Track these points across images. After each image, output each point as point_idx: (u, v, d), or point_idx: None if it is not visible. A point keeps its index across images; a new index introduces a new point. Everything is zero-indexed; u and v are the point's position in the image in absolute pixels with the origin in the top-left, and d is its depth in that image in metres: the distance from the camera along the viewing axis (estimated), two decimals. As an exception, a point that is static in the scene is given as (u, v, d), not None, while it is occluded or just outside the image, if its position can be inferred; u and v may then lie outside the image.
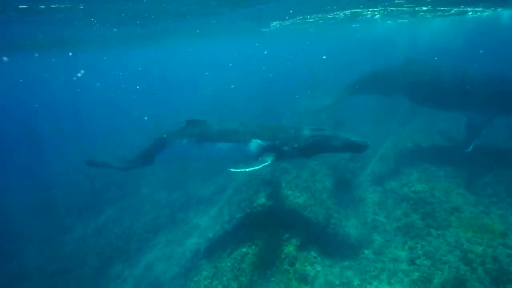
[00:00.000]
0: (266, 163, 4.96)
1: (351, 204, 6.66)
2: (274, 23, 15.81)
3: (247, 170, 4.69)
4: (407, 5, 11.81)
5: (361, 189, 7.04)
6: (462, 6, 12.07)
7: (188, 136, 6.03)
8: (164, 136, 6.46)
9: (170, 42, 19.94)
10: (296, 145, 5.19)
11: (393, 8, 11.90)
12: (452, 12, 13.12)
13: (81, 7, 7.81)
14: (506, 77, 6.59)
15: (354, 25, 19.37)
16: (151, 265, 6.94)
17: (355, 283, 4.68)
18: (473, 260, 4.44)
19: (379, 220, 5.90)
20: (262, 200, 6.58)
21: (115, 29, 12.63)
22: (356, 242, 5.58)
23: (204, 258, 6.08)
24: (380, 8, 12.08)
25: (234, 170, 4.67)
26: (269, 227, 5.74)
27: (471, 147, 6.32)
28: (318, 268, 5.00)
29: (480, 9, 12.71)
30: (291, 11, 12.65)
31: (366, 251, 5.26)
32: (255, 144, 5.46)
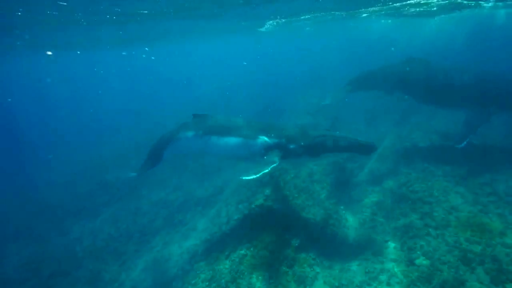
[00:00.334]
0: (274, 164, 4.92)
1: (350, 204, 6.63)
2: (269, 22, 15.80)
3: (258, 175, 4.63)
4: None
5: (360, 189, 7.02)
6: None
7: (195, 130, 5.99)
8: (171, 130, 6.40)
9: (166, 41, 19.86)
10: (302, 143, 5.19)
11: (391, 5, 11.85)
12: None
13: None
14: (505, 75, 6.59)
15: (352, 24, 19.41)
16: (148, 267, 6.88)
17: (355, 285, 4.65)
18: (472, 260, 4.42)
19: (378, 220, 5.87)
20: (260, 201, 6.53)
21: (120, 32, 12.57)
22: (355, 242, 5.55)
23: (202, 260, 6.03)
24: (379, 6, 12.06)
25: (246, 178, 4.62)
26: (267, 228, 5.69)
27: (464, 143, 6.32)
28: (317, 269, 4.96)
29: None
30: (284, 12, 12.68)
31: (365, 252, 5.22)
32: (261, 141, 5.46)
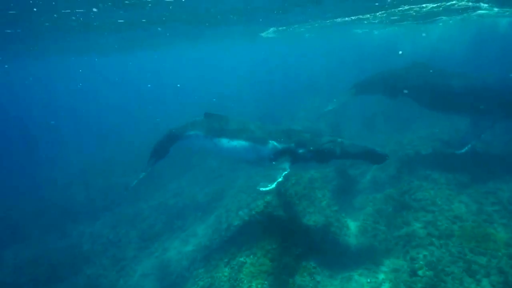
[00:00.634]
0: (286, 172, 4.86)
1: (351, 212, 6.54)
2: (271, 29, 15.92)
3: (273, 186, 4.59)
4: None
5: (361, 196, 6.94)
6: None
7: (206, 130, 5.98)
8: (181, 126, 6.39)
9: (165, 46, 20.02)
10: (312, 148, 5.11)
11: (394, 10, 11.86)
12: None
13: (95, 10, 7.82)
14: (511, 82, 6.54)
15: (355, 30, 19.50)
16: (147, 274, 6.80)
17: (356, 295, 4.54)
18: (477, 272, 4.32)
19: (380, 228, 5.78)
20: (260, 208, 6.45)
21: (122, 36, 12.67)
22: (356, 251, 5.46)
23: (201, 267, 5.94)
24: (382, 12, 12.10)
25: (264, 189, 4.58)
26: (268, 235, 5.60)
27: (465, 149, 6.25)
28: (318, 278, 4.86)
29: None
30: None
31: (366, 261, 5.12)
32: (271, 145, 5.42)
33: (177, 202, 9.44)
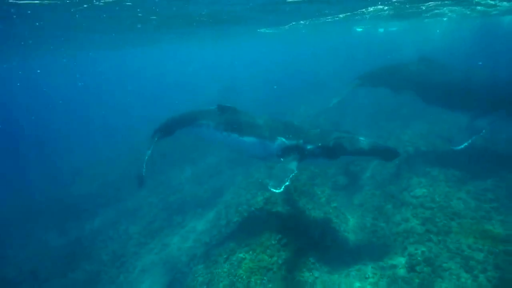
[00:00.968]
0: (293, 174, 4.83)
1: (351, 208, 6.57)
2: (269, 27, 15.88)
3: (281, 189, 4.54)
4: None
5: (361, 193, 6.96)
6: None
7: (217, 122, 6.00)
8: (193, 112, 6.37)
9: (165, 44, 19.93)
10: (320, 144, 5.03)
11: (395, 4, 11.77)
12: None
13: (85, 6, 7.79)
14: None
15: (357, 28, 19.42)
16: (146, 270, 6.83)
17: (354, 290, 4.58)
18: (474, 267, 4.35)
19: (379, 225, 5.80)
20: (260, 204, 6.48)
21: (113, 34, 12.65)
22: (355, 247, 5.49)
23: (201, 263, 5.97)
24: (381, 6, 11.99)
25: (275, 190, 4.54)
26: (267, 231, 5.63)
27: (463, 146, 6.25)
28: (316, 274, 4.89)
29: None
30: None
31: (365, 257, 5.15)
32: (279, 142, 5.41)
33: (177, 199, 9.46)
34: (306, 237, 5.51)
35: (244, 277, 4.89)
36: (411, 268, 4.66)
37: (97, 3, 7.34)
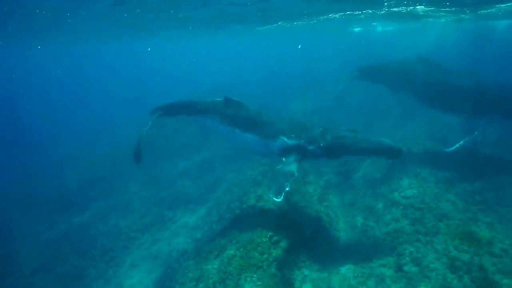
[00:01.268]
0: (293, 177, 4.84)
1: (342, 207, 6.62)
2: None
3: (281, 198, 4.56)
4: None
5: (352, 192, 7.02)
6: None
7: (222, 116, 6.03)
8: (201, 101, 6.32)
9: (163, 38, 19.61)
10: (322, 144, 4.99)
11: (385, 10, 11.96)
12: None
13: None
14: (509, 84, 6.65)
15: (355, 28, 19.46)
16: (136, 265, 6.79)
17: (343, 289, 4.63)
18: (459, 268, 4.44)
19: (369, 224, 5.87)
20: (252, 201, 6.48)
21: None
22: (345, 246, 5.55)
23: (191, 259, 5.96)
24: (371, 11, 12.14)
25: (277, 199, 4.56)
26: (258, 229, 5.64)
27: (454, 147, 6.37)
28: (306, 272, 4.93)
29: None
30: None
31: (354, 256, 5.22)
32: (280, 141, 5.39)
33: (168, 194, 9.40)
34: (297, 235, 5.54)
35: (234, 274, 4.90)
36: (399, 267, 4.73)
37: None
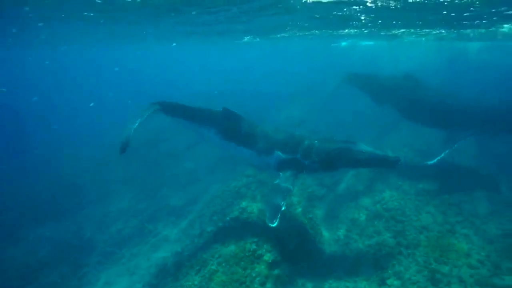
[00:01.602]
0: (291, 192, 4.84)
1: (326, 220, 6.61)
2: (246, 38, 16.13)
3: (277, 222, 4.56)
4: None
5: (336, 204, 7.03)
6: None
7: (218, 128, 5.97)
8: (201, 111, 6.21)
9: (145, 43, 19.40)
10: (317, 159, 4.99)
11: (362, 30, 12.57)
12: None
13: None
14: (486, 102, 7.14)
15: (341, 42, 20.12)
16: (111, 282, 6.40)
17: (326, 304, 4.55)
18: (440, 281, 4.50)
19: (352, 237, 5.88)
20: (235, 213, 6.33)
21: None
22: (329, 259, 5.50)
23: (171, 275, 5.69)
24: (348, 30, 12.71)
25: (272, 225, 4.55)
26: (241, 242, 5.49)
27: (435, 160, 6.61)
28: (290, 288, 4.82)
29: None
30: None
31: (338, 270, 5.17)
32: (276, 156, 5.39)
33: (149, 205, 9.05)
34: (281, 249, 5.43)
35: (215, 291, 4.70)
36: (382, 281, 4.73)
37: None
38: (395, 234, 5.57)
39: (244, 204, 6.50)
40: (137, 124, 5.94)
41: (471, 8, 8.36)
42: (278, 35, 15.45)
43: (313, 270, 5.18)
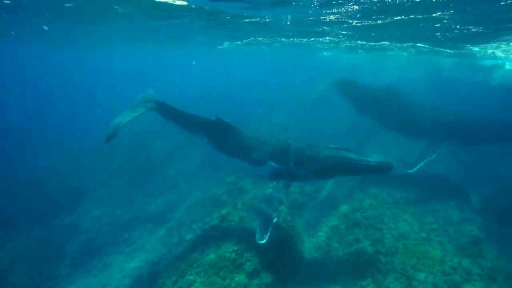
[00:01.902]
0: (283, 202, 4.84)
1: (306, 228, 6.61)
2: (226, 43, 16.23)
3: (267, 238, 4.58)
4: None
5: (316, 212, 7.07)
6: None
7: (210, 137, 5.94)
8: (195, 118, 6.05)
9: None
10: (310, 168, 5.02)
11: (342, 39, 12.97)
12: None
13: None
14: (464, 115, 7.62)
15: (323, 53, 20.61)
16: (80, 295, 5.97)
17: (306, 314, 4.49)
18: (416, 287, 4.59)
19: (332, 245, 5.89)
20: (215, 221, 6.17)
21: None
22: (309, 268, 5.46)
23: (146, 286, 5.41)
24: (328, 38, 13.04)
25: (261, 241, 4.55)
26: (221, 251, 5.34)
27: (415, 169, 6.89)
28: (270, 297, 4.71)
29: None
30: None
31: (319, 278, 5.14)
32: (268, 166, 5.39)
33: (124, 213, 8.65)
34: (260, 257, 5.33)
35: (192, 303, 4.51)
36: (361, 289, 4.74)
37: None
38: (373, 242, 5.64)
39: (224, 211, 6.37)
40: (130, 118, 5.81)
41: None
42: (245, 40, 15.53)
43: (294, 279, 5.12)
